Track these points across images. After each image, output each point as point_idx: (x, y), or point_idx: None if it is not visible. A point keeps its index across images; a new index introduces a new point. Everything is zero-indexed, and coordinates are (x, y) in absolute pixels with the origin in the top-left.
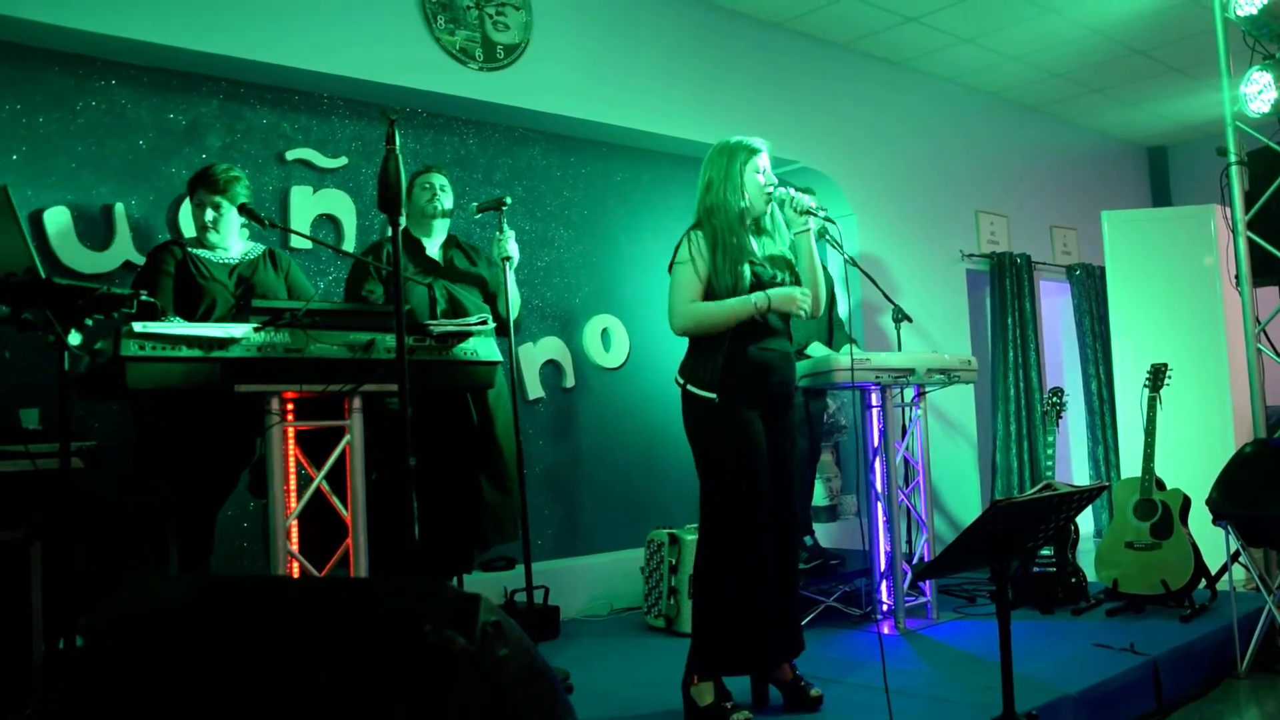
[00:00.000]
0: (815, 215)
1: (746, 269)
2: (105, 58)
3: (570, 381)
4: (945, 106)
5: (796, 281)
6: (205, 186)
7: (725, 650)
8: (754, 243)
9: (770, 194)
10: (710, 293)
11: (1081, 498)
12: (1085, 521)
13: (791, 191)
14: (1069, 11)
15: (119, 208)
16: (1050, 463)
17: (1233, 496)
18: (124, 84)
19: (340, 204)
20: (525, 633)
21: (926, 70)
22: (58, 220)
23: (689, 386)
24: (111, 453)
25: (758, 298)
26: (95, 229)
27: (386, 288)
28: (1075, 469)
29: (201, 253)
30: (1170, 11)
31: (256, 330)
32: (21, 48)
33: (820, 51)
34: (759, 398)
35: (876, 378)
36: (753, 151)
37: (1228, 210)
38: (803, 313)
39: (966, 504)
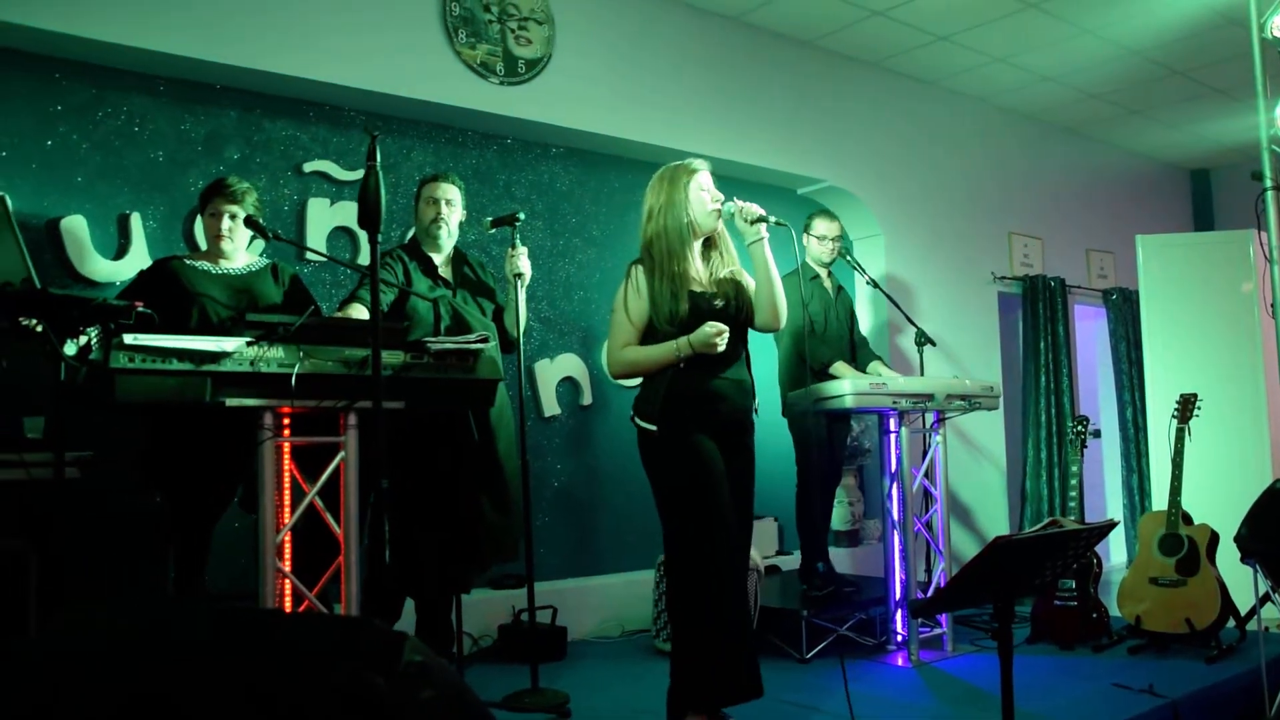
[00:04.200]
0: (767, 221)
1: (684, 296)
2: (124, 68)
3: (587, 399)
4: (977, 126)
5: (743, 304)
6: (221, 196)
7: (720, 680)
8: (700, 266)
9: (718, 210)
10: (650, 326)
11: (1088, 536)
12: (1118, 553)
13: (738, 203)
14: (1105, 32)
15: (135, 217)
16: (1074, 492)
17: (1262, 533)
18: (143, 94)
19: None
20: (520, 660)
21: (958, 89)
22: (74, 229)
23: (636, 420)
24: (112, 464)
25: (680, 343)
26: (112, 238)
27: (397, 300)
28: (1110, 498)
29: (202, 265)
30: (1209, 32)
31: (250, 344)
32: (41, 58)
33: (850, 69)
34: (710, 426)
35: (894, 403)
36: (693, 172)
37: (1264, 236)
38: (720, 350)
39: (996, 530)
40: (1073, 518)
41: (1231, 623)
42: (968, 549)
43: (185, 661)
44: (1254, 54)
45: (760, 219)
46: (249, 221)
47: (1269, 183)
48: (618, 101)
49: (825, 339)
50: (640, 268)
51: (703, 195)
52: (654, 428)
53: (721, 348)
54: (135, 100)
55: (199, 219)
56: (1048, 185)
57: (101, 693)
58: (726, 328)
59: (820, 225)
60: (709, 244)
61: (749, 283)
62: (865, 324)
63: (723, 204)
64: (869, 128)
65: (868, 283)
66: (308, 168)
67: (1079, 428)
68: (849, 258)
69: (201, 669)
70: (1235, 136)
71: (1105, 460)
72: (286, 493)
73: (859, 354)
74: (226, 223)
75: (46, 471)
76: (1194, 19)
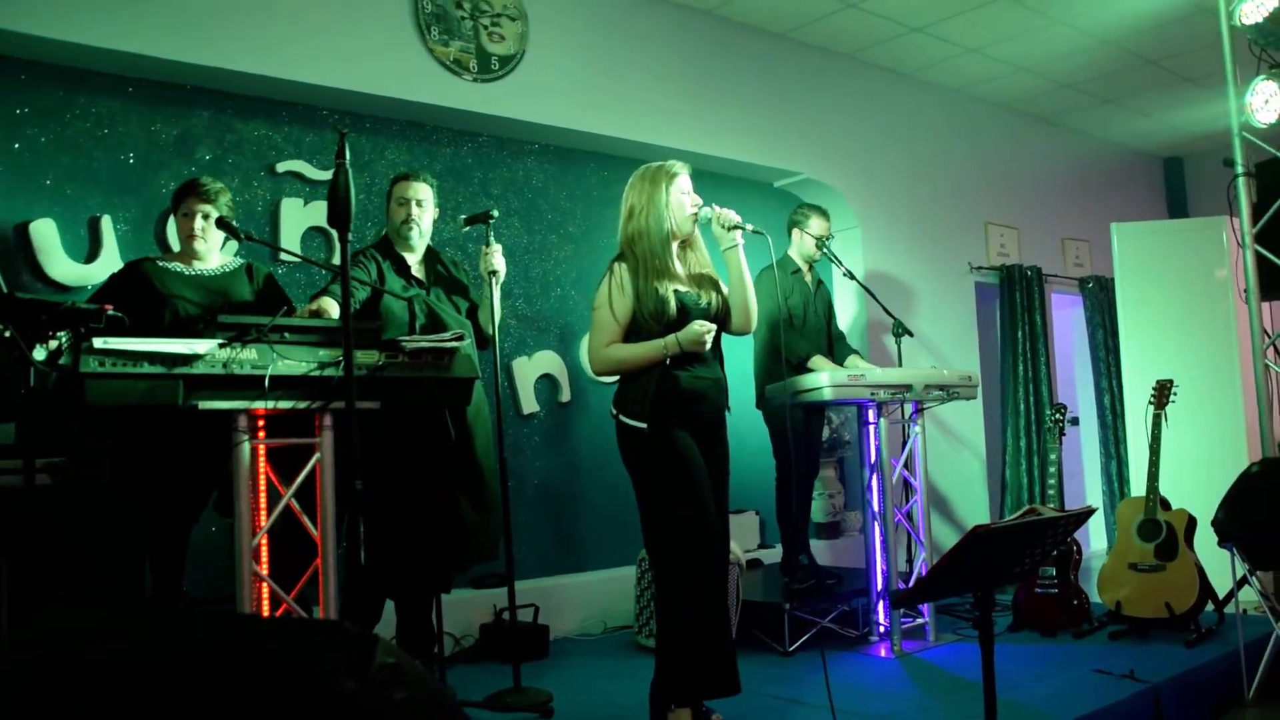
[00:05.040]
0: (743, 229)
1: (671, 295)
2: (94, 70)
3: (566, 396)
4: (953, 117)
5: (722, 303)
6: (194, 196)
7: (705, 674)
8: (679, 264)
9: (695, 215)
10: (634, 323)
11: (1066, 523)
12: (1098, 539)
13: (716, 209)
14: (1077, 22)
15: (106, 220)
16: (1054, 480)
17: (1239, 517)
18: (112, 96)
19: None
20: (502, 659)
21: (933, 80)
22: (44, 232)
23: (621, 417)
24: (86, 470)
25: (668, 341)
26: (82, 241)
27: (370, 299)
28: (1089, 484)
29: (175, 266)
30: (1180, 21)
31: (221, 346)
32: (9, 60)
33: (824, 62)
34: (692, 423)
35: (872, 394)
36: (673, 175)
37: (1237, 222)
38: (706, 349)
39: (976, 520)
40: (1052, 505)
41: (1210, 606)
42: (948, 538)
43: (158, 669)
44: (1223, 41)
45: (737, 226)
46: (221, 223)
47: (1239, 169)
48: (592, 97)
49: (804, 333)
50: (624, 265)
51: (683, 198)
52: (643, 425)
53: (708, 346)
54: (105, 102)
55: (171, 220)
56: (1023, 175)
57: (79, 693)
58: (714, 326)
59: (816, 224)
60: (684, 244)
61: (723, 285)
62: (844, 316)
63: (700, 209)
64: (844, 120)
65: (844, 274)
66: (281, 168)
67: (1057, 415)
68: (825, 250)
69: (174, 676)
70: (1207, 124)
71: (1084, 447)
72: (262, 495)
73: (836, 348)
74: (199, 223)
75: (17, 478)
76: (1164, 7)
